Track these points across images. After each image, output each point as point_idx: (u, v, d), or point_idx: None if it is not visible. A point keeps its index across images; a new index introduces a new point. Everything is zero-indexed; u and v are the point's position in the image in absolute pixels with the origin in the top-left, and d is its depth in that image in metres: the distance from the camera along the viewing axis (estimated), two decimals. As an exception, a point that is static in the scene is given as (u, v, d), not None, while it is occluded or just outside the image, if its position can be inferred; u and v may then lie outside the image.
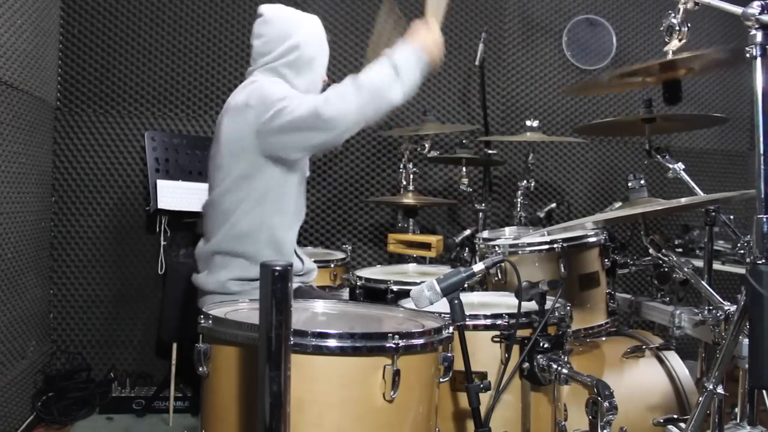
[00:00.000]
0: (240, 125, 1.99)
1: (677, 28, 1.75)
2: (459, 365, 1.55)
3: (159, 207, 3.09)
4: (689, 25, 1.75)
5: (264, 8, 2.17)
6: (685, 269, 2.12)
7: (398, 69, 1.85)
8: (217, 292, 2.03)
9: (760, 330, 1.29)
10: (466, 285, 1.63)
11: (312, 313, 1.74)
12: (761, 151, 1.35)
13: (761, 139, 1.36)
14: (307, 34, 2.13)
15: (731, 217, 2.52)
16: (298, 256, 2.19)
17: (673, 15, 1.75)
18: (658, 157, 2.35)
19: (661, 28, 1.79)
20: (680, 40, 1.78)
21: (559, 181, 4.00)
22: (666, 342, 2.34)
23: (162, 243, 3.24)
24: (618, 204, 2.70)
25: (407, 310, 1.74)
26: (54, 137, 3.35)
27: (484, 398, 1.62)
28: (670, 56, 1.90)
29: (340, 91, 1.87)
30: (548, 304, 1.74)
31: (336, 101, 1.84)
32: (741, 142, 4.26)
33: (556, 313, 1.80)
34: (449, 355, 1.50)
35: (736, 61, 2.16)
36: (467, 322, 1.67)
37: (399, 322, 1.65)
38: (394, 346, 1.35)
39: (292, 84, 2.10)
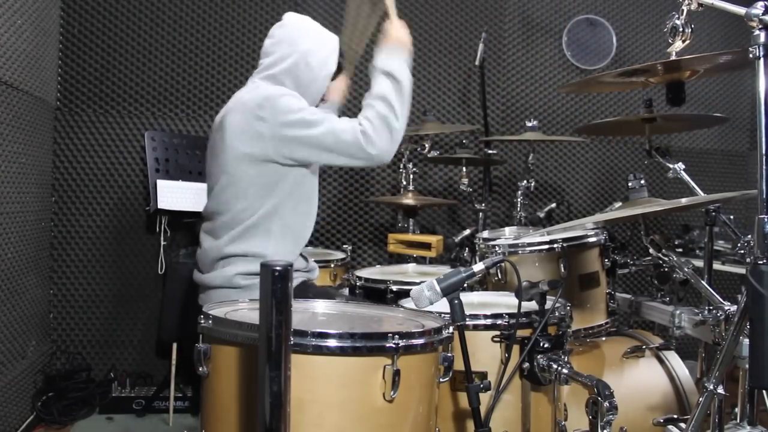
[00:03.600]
0: (253, 137, 1.96)
1: (681, 29, 1.75)
2: (459, 365, 1.55)
3: (159, 207, 3.09)
4: (693, 26, 1.75)
5: (287, 15, 2.18)
6: (685, 269, 2.12)
7: (399, 80, 2.03)
8: (225, 287, 2.02)
9: (760, 330, 1.29)
10: (466, 285, 1.63)
11: (312, 313, 1.73)
12: (763, 152, 1.35)
13: (763, 139, 1.36)
14: (320, 51, 2.11)
15: (731, 217, 2.53)
16: (302, 254, 2.18)
17: (676, 16, 1.74)
18: (658, 157, 2.35)
19: (665, 30, 1.78)
20: (684, 42, 1.77)
21: (559, 181, 3.99)
22: (666, 342, 2.33)
23: (162, 243, 3.24)
24: (618, 204, 2.70)
25: (407, 310, 1.74)
26: (54, 137, 3.35)
27: (484, 398, 1.62)
28: (674, 57, 1.90)
29: (375, 127, 1.97)
30: (548, 304, 1.74)
31: (377, 140, 1.97)
32: (741, 142, 4.26)
33: (556, 313, 1.80)
34: (449, 355, 1.50)
35: (744, 65, 2.14)
36: (467, 322, 1.67)
37: (399, 322, 1.65)
38: (394, 346, 1.35)
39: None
